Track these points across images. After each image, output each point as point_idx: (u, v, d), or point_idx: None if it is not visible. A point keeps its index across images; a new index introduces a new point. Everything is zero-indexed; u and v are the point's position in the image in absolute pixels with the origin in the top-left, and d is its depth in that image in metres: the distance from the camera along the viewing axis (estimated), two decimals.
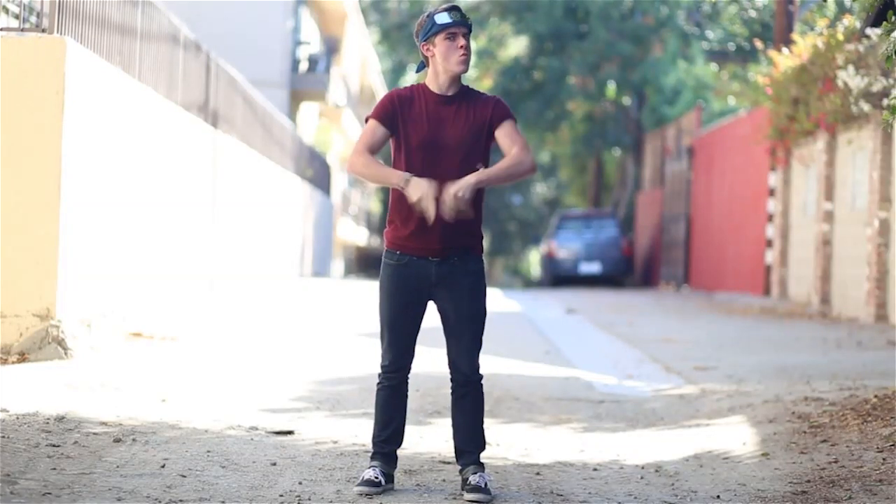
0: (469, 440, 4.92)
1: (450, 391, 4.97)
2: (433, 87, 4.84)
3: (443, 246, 4.81)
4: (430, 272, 4.83)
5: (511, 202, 54.26)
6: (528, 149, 4.86)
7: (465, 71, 4.80)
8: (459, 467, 4.95)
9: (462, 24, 4.78)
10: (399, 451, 4.99)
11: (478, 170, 4.78)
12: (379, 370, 4.96)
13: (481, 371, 4.95)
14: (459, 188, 4.66)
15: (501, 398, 7.98)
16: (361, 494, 4.80)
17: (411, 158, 4.80)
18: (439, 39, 4.79)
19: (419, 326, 4.93)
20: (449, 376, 4.94)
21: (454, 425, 4.96)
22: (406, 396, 4.96)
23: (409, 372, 4.94)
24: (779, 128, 17.53)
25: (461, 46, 4.77)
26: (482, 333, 4.92)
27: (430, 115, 4.80)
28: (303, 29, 29.24)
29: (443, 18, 4.78)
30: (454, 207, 4.67)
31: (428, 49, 4.82)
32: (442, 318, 4.91)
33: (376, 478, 4.84)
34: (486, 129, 4.84)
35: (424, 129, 4.80)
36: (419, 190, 4.67)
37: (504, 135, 4.85)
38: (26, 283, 8.37)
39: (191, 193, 12.80)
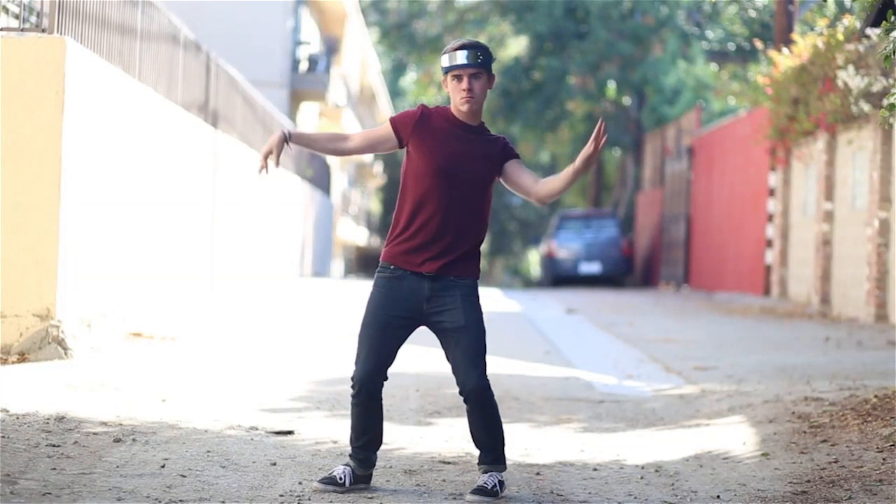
0: (485, 441, 4.90)
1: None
2: (456, 114, 4.89)
3: (441, 263, 4.81)
4: (423, 287, 4.82)
5: (511, 202, 54.26)
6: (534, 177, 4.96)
7: (469, 110, 4.83)
8: (478, 462, 4.96)
9: (468, 66, 4.81)
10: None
11: (487, 200, 4.90)
12: (350, 381, 4.90)
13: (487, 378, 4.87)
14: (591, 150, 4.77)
15: (501, 398, 7.96)
16: (317, 491, 4.83)
17: (426, 180, 4.82)
18: (448, 78, 4.86)
19: (397, 349, 4.88)
20: (453, 377, 4.90)
21: (470, 429, 4.93)
22: (381, 406, 4.92)
23: (381, 388, 4.88)
24: (779, 128, 17.53)
25: (464, 89, 4.81)
26: (484, 346, 4.85)
27: (451, 136, 4.83)
28: (303, 29, 29.24)
29: (448, 60, 4.84)
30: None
31: (445, 83, 4.92)
32: (440, 336, 4.87)
33: (341, 477, 4.86)
34: (496, 166, 4.89)
35: (446, 149, 4.82)
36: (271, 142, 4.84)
37: (517, 167, 4.92)
38: (26, 283, 8.37)
39: (191, 193, 12.81)
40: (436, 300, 4.82)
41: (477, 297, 4.89)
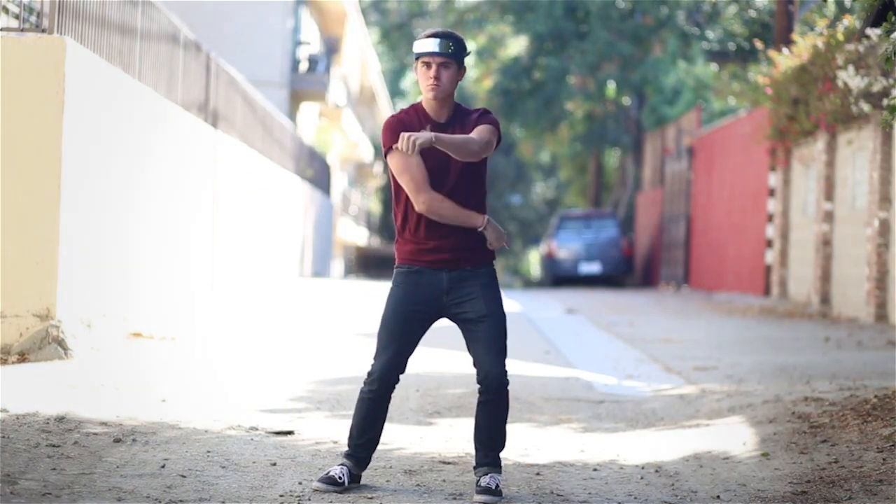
0: (487, 441, 4.91)
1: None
2: (429, 110, 4.89)
3: (455, 257, 4.86)
4: (442, 279, 4.87)
5: (511, 202, 54.26)
6: (487, 140, 4.81)
7: (435, 98, 4.84)
8: (474, 465, 4.96)
9: (437, 55, 4.82)
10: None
11: (482, 192, 4.92)
12: (365, 376, 4.94)
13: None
14: (417, 137, 4.65)
15: None
16: (318, 490, 4.84)
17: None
18: (418, 65, 4.88)
19: (416, 342, 4.94)
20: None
21: (476, 426, 4.95)
22: (387, 407, 4.96)
23: (395, 384, 4.93)
24: (779, 128, 17.53)
25: (432, 76, 4.82)
26: (505, 334, 4.91)
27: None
28: (303, 29, 29.24)
29: (419, 47, 4.86)
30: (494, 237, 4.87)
31: (416, 70, 4.92)
32: (461, 326, 4.91)
33: (340, 477, 4.88)
34: None
35: (425, 157, 4.82)
36: (495, 233, 4.87)
37: (477, 131, 4.85)
38: (26, 283, 8.37)
39: (190, 193, 12.81)
40: (455, 291, 4.88)
41: (496, 284, 4.95)
